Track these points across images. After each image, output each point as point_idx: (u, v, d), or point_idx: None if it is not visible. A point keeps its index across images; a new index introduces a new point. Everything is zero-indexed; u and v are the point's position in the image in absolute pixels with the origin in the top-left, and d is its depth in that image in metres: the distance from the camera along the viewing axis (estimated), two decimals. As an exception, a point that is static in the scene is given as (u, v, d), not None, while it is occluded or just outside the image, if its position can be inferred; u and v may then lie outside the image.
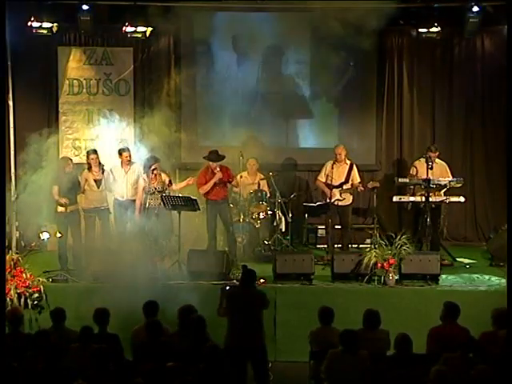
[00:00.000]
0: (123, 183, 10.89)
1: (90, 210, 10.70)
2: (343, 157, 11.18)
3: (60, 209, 10.41)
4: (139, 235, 10.46)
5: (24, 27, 11.46)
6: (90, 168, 10.70)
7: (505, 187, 9.18)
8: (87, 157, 10.77)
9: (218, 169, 10.62)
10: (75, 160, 11.36)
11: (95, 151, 10.88)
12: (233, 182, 11.05)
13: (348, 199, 11.21)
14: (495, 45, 12.23)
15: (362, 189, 11.17)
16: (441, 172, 11.08)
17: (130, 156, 10.93)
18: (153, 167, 10.57)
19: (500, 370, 6.09)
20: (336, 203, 11.01)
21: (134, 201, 10.77)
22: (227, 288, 7.94)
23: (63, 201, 10.31)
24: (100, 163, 10.75)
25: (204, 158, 10.85)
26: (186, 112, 12.66)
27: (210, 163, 10.73)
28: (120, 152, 10.97)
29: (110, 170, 10.90)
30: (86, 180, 10.69)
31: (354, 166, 11.26)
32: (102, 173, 10.75)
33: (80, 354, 6.70)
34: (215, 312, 7.67)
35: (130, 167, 10.94)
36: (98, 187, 10.72)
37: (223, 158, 10.81)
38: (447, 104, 12.61)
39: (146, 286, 9.05)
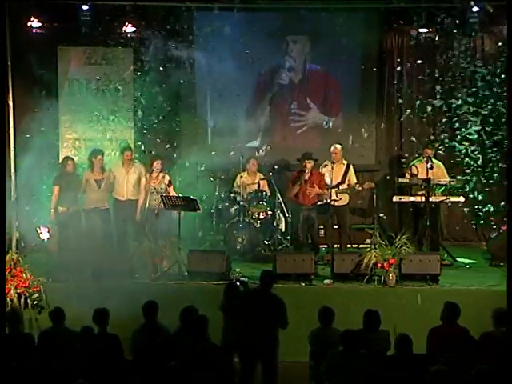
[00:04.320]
0: (123, 183, 10.90)
1: (90, 211, 10.70)
2: (339, 156, 11.19)
3: (61, 209, 10.47)
4: (139, 235, 10.49)
5: (24, 27, 11.45)
6: (91, 168, 10.73)
7: (505, 187, 9.20)
8: (93, 157, 10.81)
9: (307, 171, 10.64)
10: (75, 160, 11.33)
11: (100, 151, 10.90)
12: (321, 191, 10.87)
13: (345, 199, 11.19)
14: (495, 45, 12.23)
15: (360, 189, 11.19)
16: (437, 171, 11.08)
17: (131, 155, 10.95)
18: (153, 166, 10.61)
19: (500, 370, 6.09)
20: (333, 203, 11.00)
21: (134, 201, 10.78)
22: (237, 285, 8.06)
23: (52, 209, 10.41)
24: (103, 163, 10.78)
25: (298, 160, 10.97)
26: (187, 111, 12.64)
27: (303, 165, 10.74)
28: (122, 151, 11.00)
29: (110, 170, 10.92)
30: (87, 180, 10.72)
31: (351, 167, 11.26)
32: (103, 173, 10.78)
33: (80, 354, 6.70)
34: (215, 312, 7.68)
35: (131, 167, 10.95)
36: (99, 187, 10.73)
37: (315, 159, 10.87)
38: (447, 104, 12.60)
39: (145, 286, 9.06)
